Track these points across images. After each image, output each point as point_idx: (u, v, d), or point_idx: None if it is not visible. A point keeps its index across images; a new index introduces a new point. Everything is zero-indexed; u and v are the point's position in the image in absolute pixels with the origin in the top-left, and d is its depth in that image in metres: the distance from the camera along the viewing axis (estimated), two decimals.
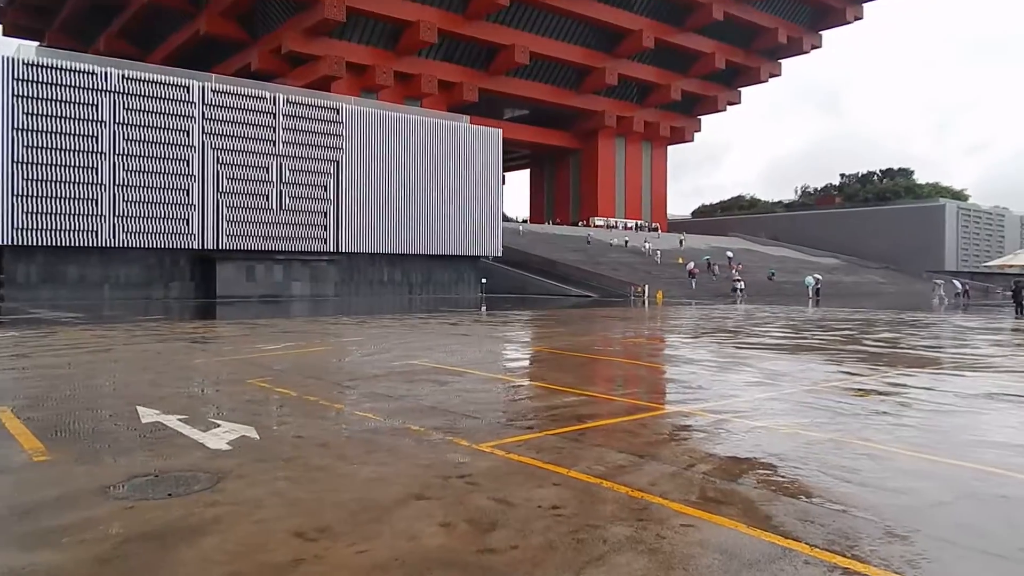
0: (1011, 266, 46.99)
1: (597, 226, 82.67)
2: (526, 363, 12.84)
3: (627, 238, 69.29)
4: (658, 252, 60.71)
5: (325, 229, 42.03)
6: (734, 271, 55.79)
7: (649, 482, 4.99)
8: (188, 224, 37.68)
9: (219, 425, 6.67)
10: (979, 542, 4.01)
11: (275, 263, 41.23)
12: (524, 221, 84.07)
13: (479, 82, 69.96)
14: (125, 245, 36.03)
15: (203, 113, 38.00)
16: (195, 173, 37.83)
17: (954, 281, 61.48)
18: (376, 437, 6.31)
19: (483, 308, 33.97)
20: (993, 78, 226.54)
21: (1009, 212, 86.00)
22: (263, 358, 11.97)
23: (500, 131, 49.82)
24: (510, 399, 8.50)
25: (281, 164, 40.63)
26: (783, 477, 5.20)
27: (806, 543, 3.95)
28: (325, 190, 42.13)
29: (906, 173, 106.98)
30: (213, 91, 38.31)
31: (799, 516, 4.38)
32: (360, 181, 43.20)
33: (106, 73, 35.23)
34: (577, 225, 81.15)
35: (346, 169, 42.72)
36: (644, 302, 42.62)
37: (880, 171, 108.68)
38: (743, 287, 49.59)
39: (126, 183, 35.89)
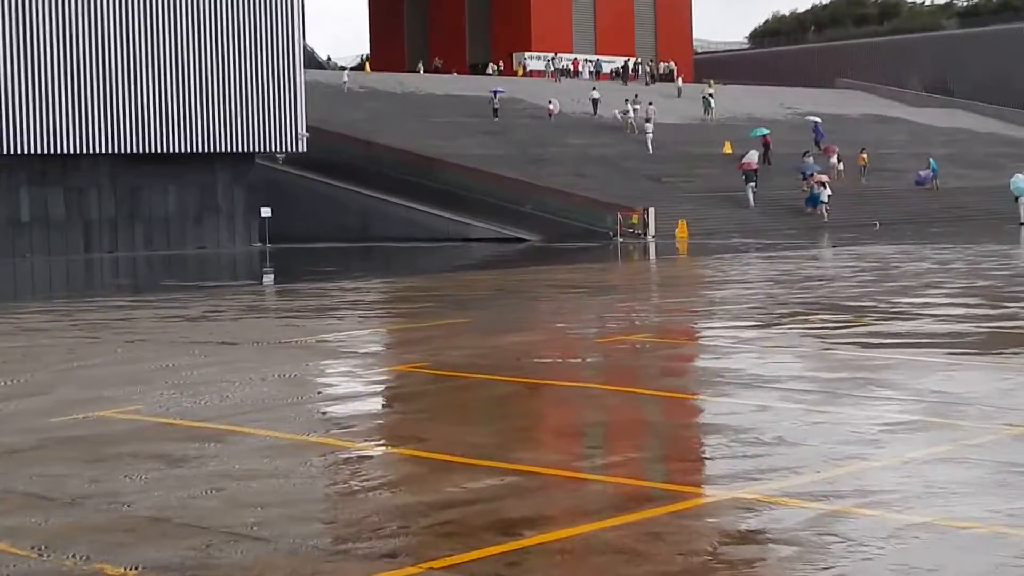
0: None
1: (534, 73, 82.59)
2: (376, 404, 12.79)
3: (596, 93, 69.45)
4: (648, 129, 61.37)
5: None
6: (826, 157, 57.37)
7: None
8: None
9: None
10: None
11: None
12: (358, 67, 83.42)
13: None
14: None
15: None
16: None
17: None
18: None
19: (266, 276, 33.36)
20: None
21: None
22: None
23: None
24: (343, 489, 8.45)
25: None
26: None
27: None
28: None
29: None
30: None
31: None
32: None
33: None
34: (487, 73, 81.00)
35: None
36: (645, 246, 42.96)
37: None
38: (829, 195, 51.82)
39: None
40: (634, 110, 64.63)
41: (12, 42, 42.78)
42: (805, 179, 54.40)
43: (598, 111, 67.01)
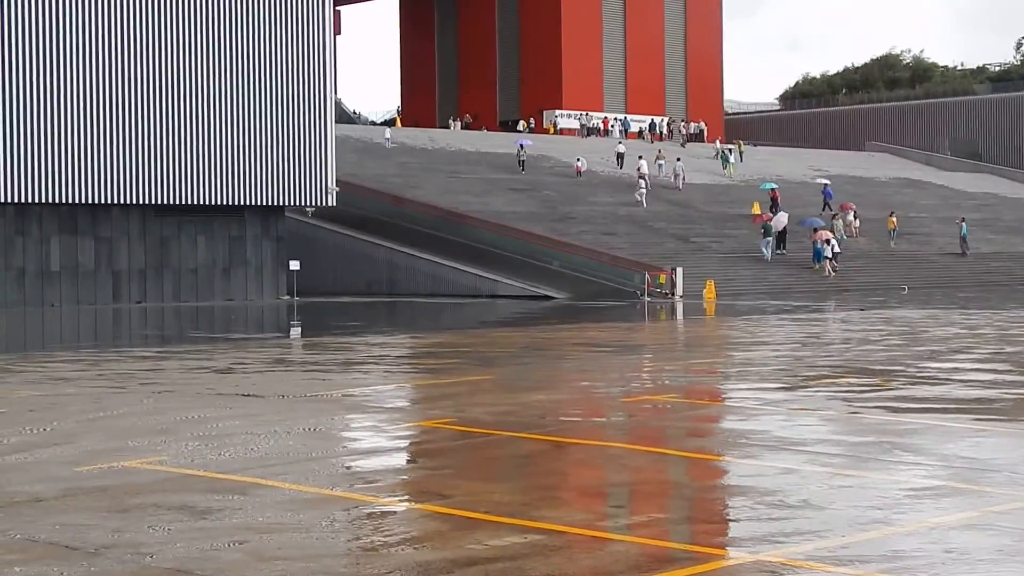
0: None
1: (565, 131, 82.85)
2: (401, 459, 12.78)
3: (622, 147, 69.68)
4: (641, 185, 60.96)
5: None
6: (843, 214, 57.56)
7: None
8: None
9: None
10: None
11: None
12: (390, 122, 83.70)
13: None
14: None
15: None
16: None
17: None
18: None
19: (293, 329, 33.27)
20: None
21: None
22: None
23: None
24: (365, 544, 8.43)
25: None
26: None
27: None
28: None
29: None
30: None
31: None
32: None
33: None
34: (517, 130, 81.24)
35: None
36: (672, 306, 42.83)
37: None
38: (836, 251, 52.49)
39: None
40: (659, 166, 64.99)
41: (46, 92, 43.07)
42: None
43: (623, 165, 67.28)
